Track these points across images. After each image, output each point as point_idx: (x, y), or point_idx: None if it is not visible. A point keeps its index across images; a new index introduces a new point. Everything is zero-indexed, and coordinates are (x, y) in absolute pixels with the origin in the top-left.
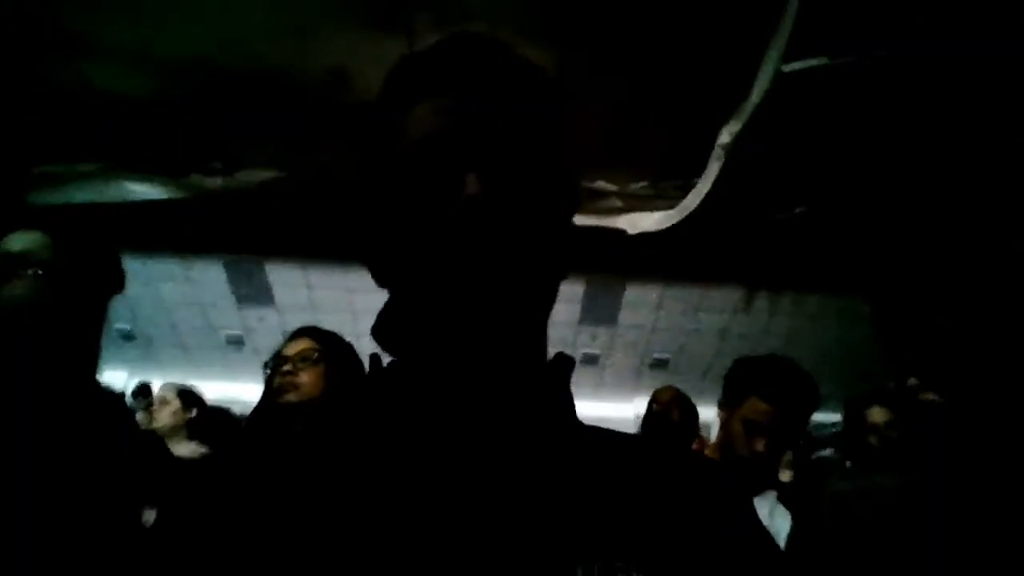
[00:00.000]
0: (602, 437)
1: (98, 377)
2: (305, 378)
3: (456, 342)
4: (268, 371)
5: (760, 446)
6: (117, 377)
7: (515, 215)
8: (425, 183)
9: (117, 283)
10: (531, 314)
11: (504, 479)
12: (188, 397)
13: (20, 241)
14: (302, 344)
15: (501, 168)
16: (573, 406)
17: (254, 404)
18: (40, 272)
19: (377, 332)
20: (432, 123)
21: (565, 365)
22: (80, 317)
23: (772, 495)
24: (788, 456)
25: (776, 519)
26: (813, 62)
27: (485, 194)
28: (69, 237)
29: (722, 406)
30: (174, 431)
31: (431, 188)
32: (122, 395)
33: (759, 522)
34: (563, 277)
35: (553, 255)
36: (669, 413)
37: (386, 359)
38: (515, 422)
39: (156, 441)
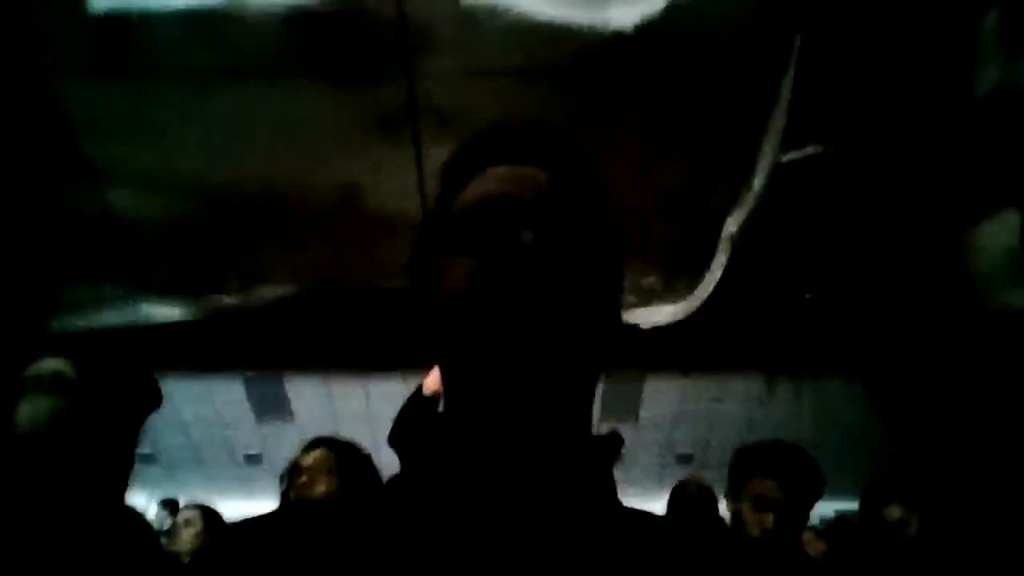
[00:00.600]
0: (642, 521)
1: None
2: (321, 489)
3: (503, 410)
4: (284, 483)
5: (769, 521)
6: (137, 498)
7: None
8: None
9: (153, 401)
10: (577, 393)
11: (541, 566)
12: (212, 519)
13: (43, 365)
14: (317, 454)
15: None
16: (614, 488)
17: None
18: (59, 394)
19: (395, 439)
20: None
21: (613, 444)
22: (109, 437)
23: None
24: (821, 546)
25: None
26: (808, 150)
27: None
28: (100, 358)
29: (728, 497)
30: (194, 556)
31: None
32: (144, 518)
33: None
34: (608, 355)
35: (601, 330)
36: (692, 504)
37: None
38: (554, 506)
39: (176, 564)
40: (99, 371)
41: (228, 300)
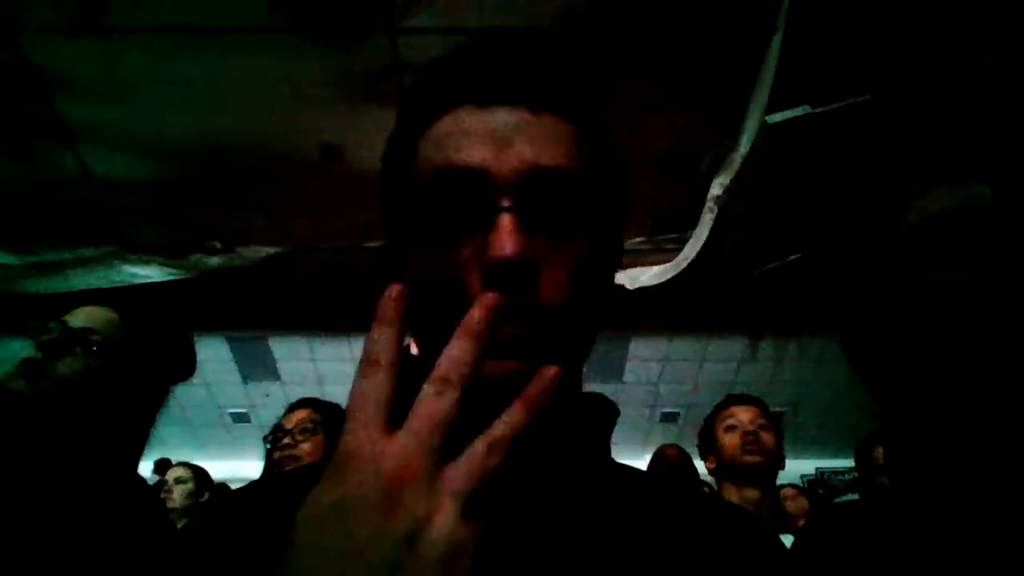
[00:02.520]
0: (635, 478)
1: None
2: (305, 449)
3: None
4: (268, 444)
5: (736, 440)
6: None
7: (553, 260)
8: (451, 219)
9: (187, 369)
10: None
11: (537, 531)
12: (204, 479)
13: (83, 316)
14: (301, 415)
15: (536, 210)
16: (608, 449)
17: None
18: (95, 350)
19: None
20: (463, 150)
21: (607, 412)
22: (138, 402)
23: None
24: (803, 503)
25: None
26: (796, 112)
27: (522, 250)
28: (143, 317)
29: (704, 455)
30: (187, 512)
31: (457, 228)
32: (153, 488)
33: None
34: (602, 322)
35: (595, 294)
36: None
37: None
38: (549, 472)
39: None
40: (140, 328)
41: (211, 261)
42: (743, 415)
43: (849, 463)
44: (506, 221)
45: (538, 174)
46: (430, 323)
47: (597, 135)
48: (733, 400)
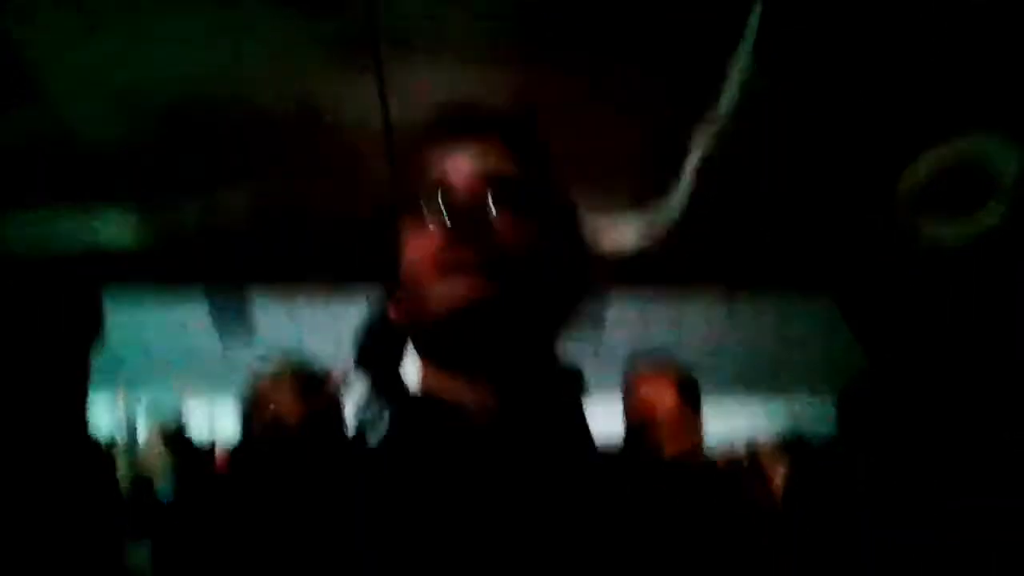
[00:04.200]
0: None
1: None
2: (280, 407)
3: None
4: (243, 404)
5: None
6: (102, 414)
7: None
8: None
9: (95, 329)
10: (540, 335)
11: (514, 510)
12: (174, 439)
13: None
14: (279, 378)
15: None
16: (586, 424)
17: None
18: None
19: (362, 360)
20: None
21: (575, 382)
22: (57, 368)
23: None
24: (781, 460)
25: None
26: (779, 70)
27: (475, 200)
28: (43, 284)
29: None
30: (162, 472)
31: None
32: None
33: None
34: (576, 303)
35: (569, 292)
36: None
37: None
38: (525, 446)
39: (145, 484)
40: (41, 296)
41: (186, 218)
42: (648, 387)
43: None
44: (464, 203)
45: (487, 176)
46: (408, 282)
47: (535, 157)
48: (643, 367)
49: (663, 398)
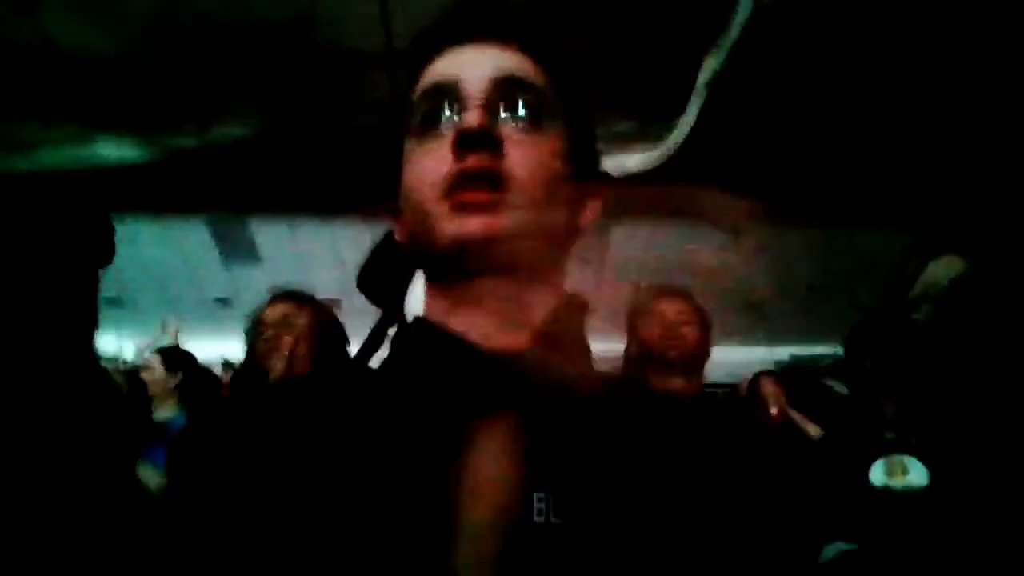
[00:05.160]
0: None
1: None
2: (287, 342)
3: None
4: (249, 336)
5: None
6: (107, 341)
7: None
8: (433, 124)
9: (106, 252)
10: (545, 251)
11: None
12: (171, 360)
13: None
14: (281, 308)
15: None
16: (588, 351)
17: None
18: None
19: (364, 284)
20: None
21: (578, 308)
22: (65, 290)
23: None
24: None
25: None
26: None
27: (484, 122)
28: (53, 204)
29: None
30: (163, 396)
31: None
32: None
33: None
34: (581, 215)
35: (566, 184)
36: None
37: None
38: (529, 373)
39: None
40: (46, 217)
41: (185, 141)
42: (668, 307)
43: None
44: (473, 110)
45: (500, 79)
46: (412, 203)
47: (558, 66)
48: (660, 292)
49: (681, 326)
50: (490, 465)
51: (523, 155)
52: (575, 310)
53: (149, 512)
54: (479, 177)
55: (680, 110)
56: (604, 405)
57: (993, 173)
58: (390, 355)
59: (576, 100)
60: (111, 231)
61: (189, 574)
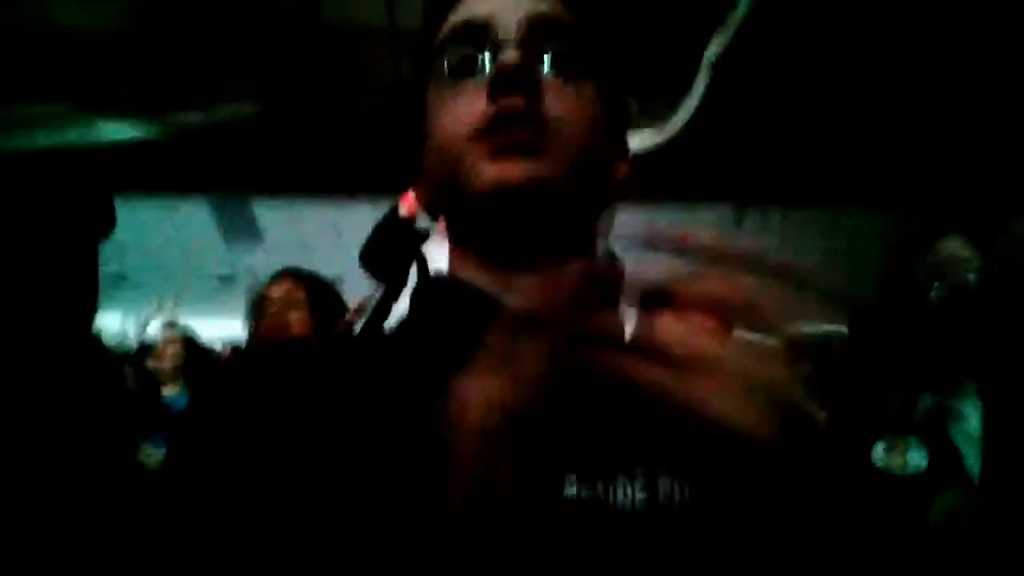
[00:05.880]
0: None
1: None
2: (291, 318)
3: (500, 237)
4: (252, 313)
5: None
6: (110, 319)
7: (556, 94)
8: (463, 70)
9: (106, 222)
10: (577, 213)
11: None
12: (191, 340)
13: None
14: (285, 286)
15: (541, 50)
16: (620, 318)
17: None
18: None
19: (367, 260)
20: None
21: (613, 273)
22: (62, 260)
23: None
24: None
25: None
26: None
27: (523, 60)
28: (49, 178)
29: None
30: (175, 374)
31: (467, 77)
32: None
33: None
34: (616, 175)
35: (601, 145)
36: None
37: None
38: (556, 339)
39: (152, 383)
40: (42, 191)
41: (188, 118)
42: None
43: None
44: (509, 48)
45: (535, 20)
46: (444, 150)
47: (589, 12)
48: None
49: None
50: (508, 427)
51: (561, 99)
52: (607, 283)
53: (149, 495)
54: (518, 118)
55: (685, 89)
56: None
57: (994, 152)
58: (411, 312)
59: (607, 48)
60: (110, 202)
61: (193, 550)
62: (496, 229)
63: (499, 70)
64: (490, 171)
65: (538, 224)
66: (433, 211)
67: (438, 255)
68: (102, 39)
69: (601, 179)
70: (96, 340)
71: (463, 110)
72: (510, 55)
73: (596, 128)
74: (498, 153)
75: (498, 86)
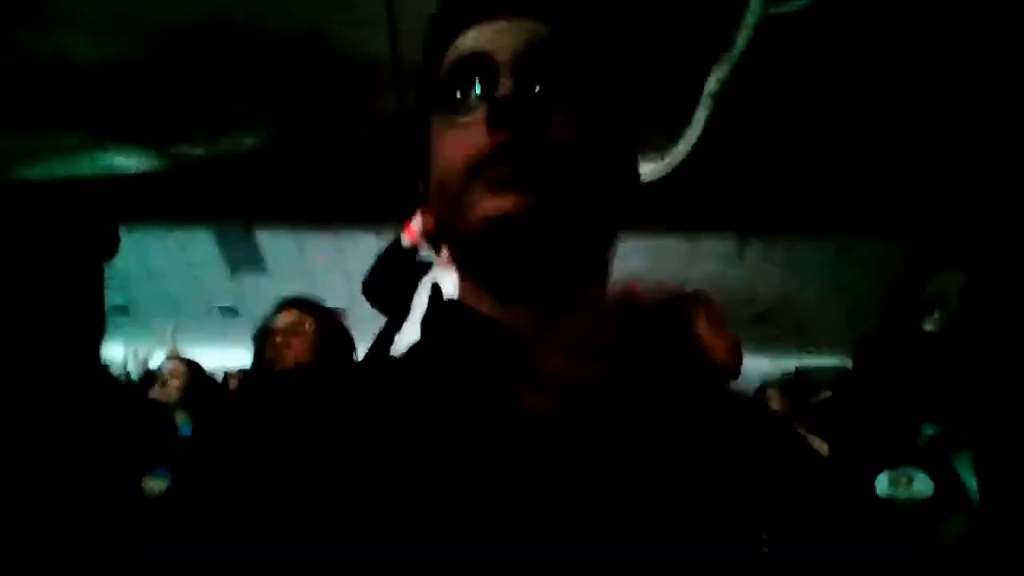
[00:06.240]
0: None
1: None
2: (296, 349)
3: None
4: (257, 342)
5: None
6: (113, 350)
7: (562, 123)
8: (463, 101)
9: (110, 246)
10: (588, 240)
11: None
12: (196, 370)
13: None
14: (290, 316)
15: (544, 79)
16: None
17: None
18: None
19: (369, 291)
20: (472, 43)
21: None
22: (66, 285)
23: None
24: (784, 402)
25: None
26: (796, 4)
27: (520, 93)
28: (53, 203)
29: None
30: (180, 404)
31: (468, 108)
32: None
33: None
34: (626, 202)
35: (618, 188)
36: None
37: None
38: (561, 365)
39: (161, 411)
40: (48, 216)
41: (193, 150)
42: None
43: (830, 361)
44: (506, 78)
45: (534, 45)
46: (443, 183)
47: (594, 39)
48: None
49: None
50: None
51: (561, 125)
52: (622, 321)
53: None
54: (516, 151)
55: (685, 121)
56: (640, 398)
57: (993, 181)
58: (423, 337)
59: (609, 69)
60: (113, 225)
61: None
62: (497, 263)
63: (495, 103)
64: (489, 205)
65: (540, 256)
66: (436, 243)
67: (446, 281)
68: (111, 71)
69: (609, 204)
70: (102, 369)
71: (462, 144)
72: (505, 86)
73: (599, 152)
74: (497, 187)
75: (495, 119)
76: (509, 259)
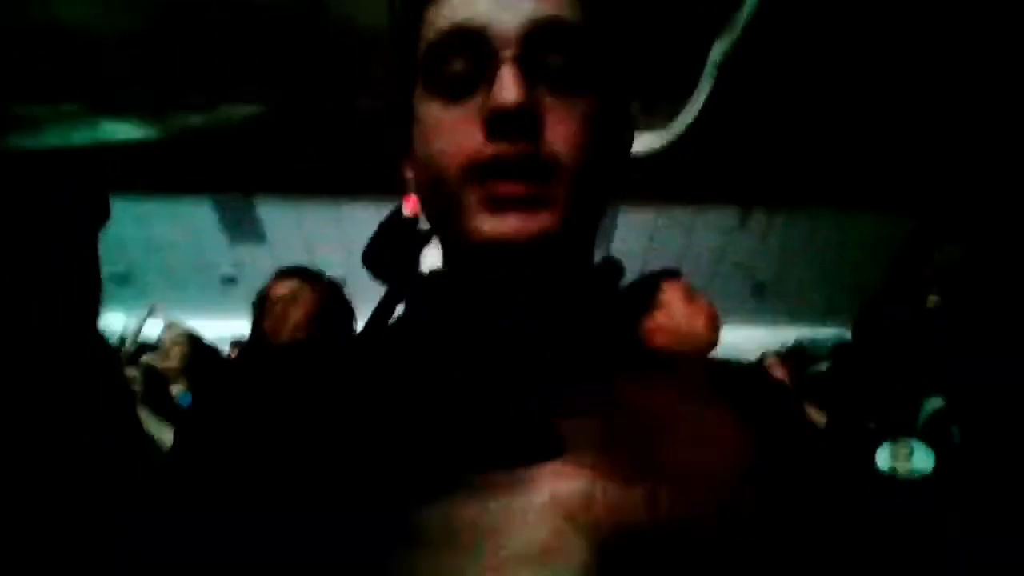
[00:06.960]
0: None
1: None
2: (294, 318)
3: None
4: (256, 312)
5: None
6: (114, 319)
7: (560, 116)
8: (452, 82)
9: (100, 214)
10: (579, 222)
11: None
12: (197, 344)
13: None
14: (289, 284)
15: (542, 62)
16: (615, 317)
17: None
18: None
19: (370, 260)
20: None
21: (612, 272)
22: (59, 253)
23: None
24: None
25: None
26: None
27: (524, 99)
28: (48, 176)
29: None
30: (181, 373)
31: (459, 89)
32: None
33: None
34: (613, 187)
35: (605, 152)
36: None
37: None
38: (558, 341)
39: (161, 381)
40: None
41: (191, 119)
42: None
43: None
44: (508, 71)
45: (540, 26)
46: (434, 180)
47: (604, 7)
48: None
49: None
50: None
51: (564, 127)
52: (607, 278)
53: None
54: (516, 165)
55: (689, 91)
56: (628, 371)
57: (996, 157)
58: (407, 311)
59: (619, 53)
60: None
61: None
62: (491, 279)
63: (498, 109)
64: (487, 227)
65: (536, 273)
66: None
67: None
68: (106, 39)
69: (604, 204)
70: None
71: (456, 141)
72: (508, 89)
73: (601, 155)
74: (496, 207)
75: (496, 127)
76: (502, 276)
